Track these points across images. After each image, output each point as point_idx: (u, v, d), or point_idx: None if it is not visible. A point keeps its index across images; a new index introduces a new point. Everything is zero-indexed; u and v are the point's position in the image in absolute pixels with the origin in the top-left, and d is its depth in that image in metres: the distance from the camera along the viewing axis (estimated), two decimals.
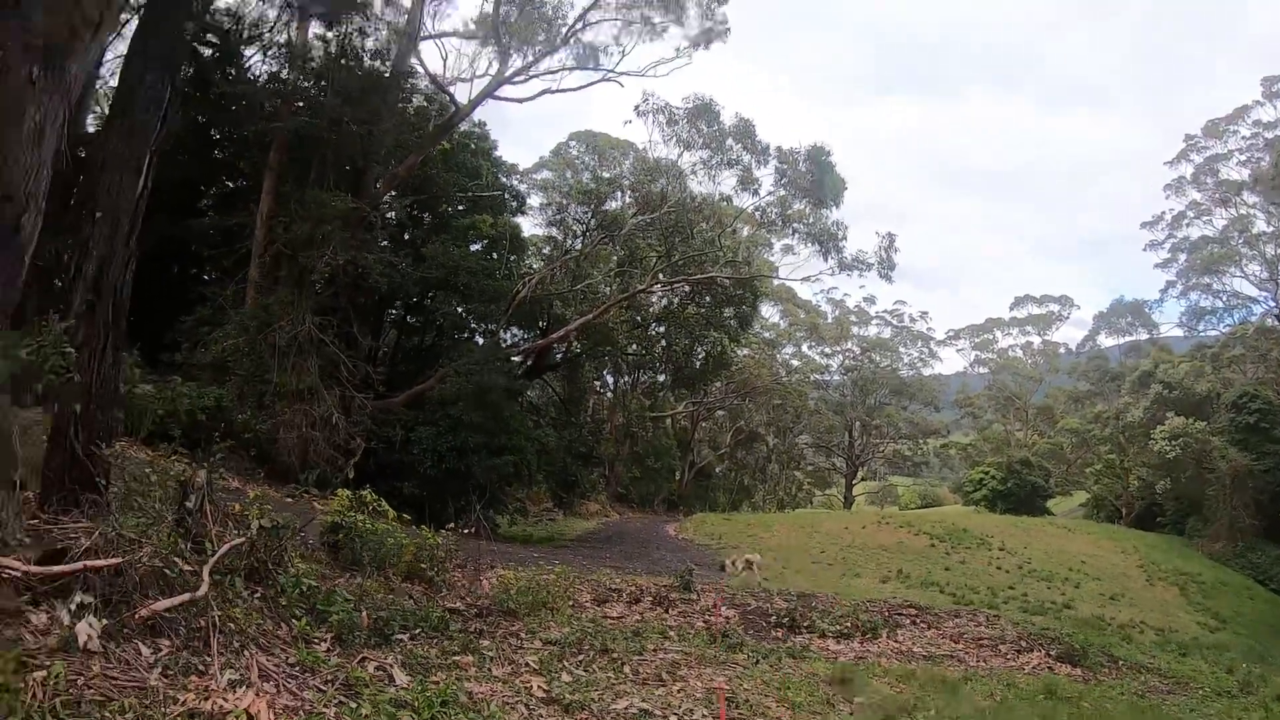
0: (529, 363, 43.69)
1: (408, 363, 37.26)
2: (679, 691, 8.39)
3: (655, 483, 68.65)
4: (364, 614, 8.27)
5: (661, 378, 57.64)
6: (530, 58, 34.12)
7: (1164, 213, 70.16)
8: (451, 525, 12.43)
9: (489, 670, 7.94)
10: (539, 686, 7.67)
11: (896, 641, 14.75)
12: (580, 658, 9.04)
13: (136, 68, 8.36)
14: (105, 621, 6.01)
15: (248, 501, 9.64)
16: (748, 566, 18.51)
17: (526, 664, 8.38)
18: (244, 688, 6.12)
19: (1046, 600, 33.03)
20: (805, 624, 14.61)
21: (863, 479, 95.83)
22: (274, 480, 24.63)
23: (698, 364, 48.21)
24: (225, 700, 5.81)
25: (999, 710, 9.87)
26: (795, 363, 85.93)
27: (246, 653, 6.66)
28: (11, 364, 6.72)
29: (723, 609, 15.00)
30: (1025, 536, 45.83)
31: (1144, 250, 71.94)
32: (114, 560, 6.58)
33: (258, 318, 26.67)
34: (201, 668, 6.14)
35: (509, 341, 41.87)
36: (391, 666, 7.44)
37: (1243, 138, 63.74)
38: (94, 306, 8.36)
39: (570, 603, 12.32)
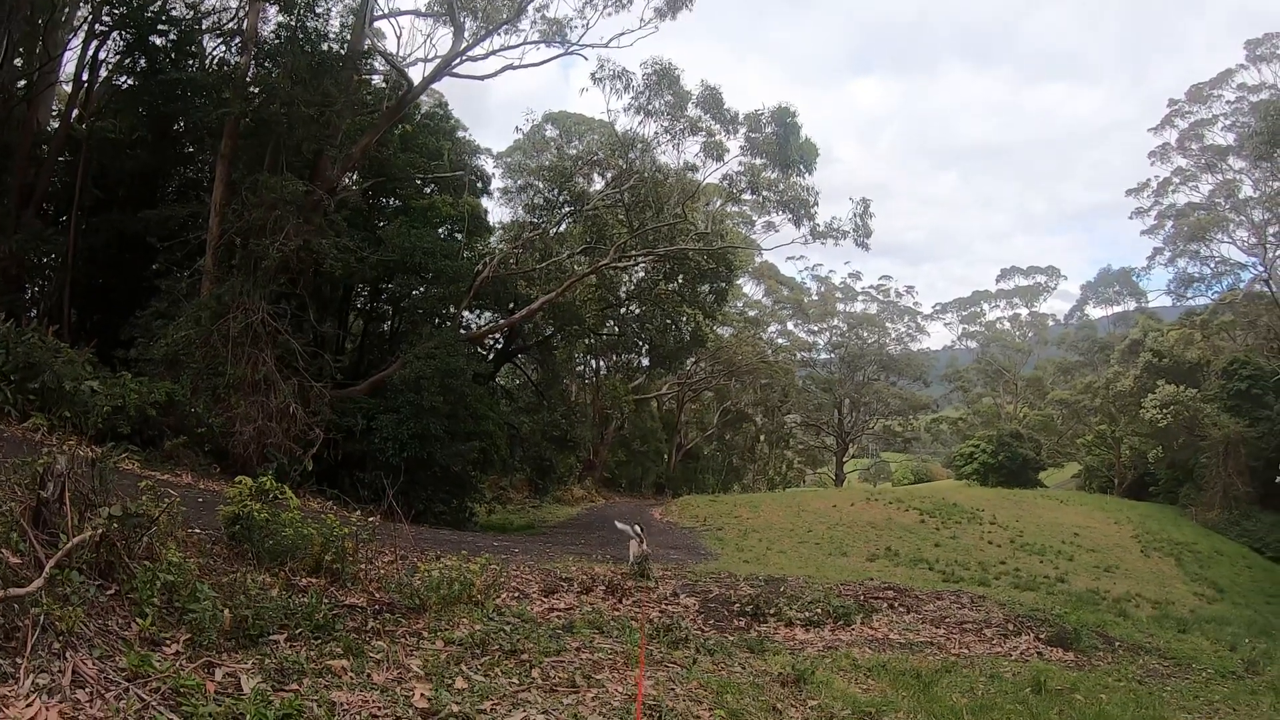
0: (499, 345, 42.75)
1: (374, 350, 36.40)
2: (592, 700, 7.19)
3: (642, 466, 68.25)
4: (226, 612, 7.10)
5: (646, 361, 56.79)
6: (486, 33, 33.09)
7: (1149, 180, 69.48)
8: (359, 510, 11.14)
9: (368, 676, 6.76)
10: (421, 695, 6.49)
11: (872, 628, 13.62)
12: (484, 660, 7.86)
13: None
14: None
15: (137, 491, 8.48)
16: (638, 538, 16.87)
17: (415, 668, 7.21)
18: (46, 695, 5.16)
19: (1039, 575, 32.32)
20: (771, 612, 13.51)
21: (854, 456, 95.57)
22: (231, 474, 23.53)
23: (672, 341, 47.38)
24: (18, 710, 4.89)
25: (977, 710, 8.73)
26: (781, 341, 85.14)
27: (69, 655, 5.60)
28: None
29: (681, 597, 13.91)
30: (1017, 509, 45.26)
31: (1130, 218, 71.34)
32: None
33: (210, 308, 25.56)
34: (12, 670, 5.23)
35: (477, 324, 40.93)
36: (243, 672, 6.29)
37: (1227, 102, 62.88)
38: None
39: (501, 596, 11.14)
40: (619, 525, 18.37)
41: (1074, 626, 14.82)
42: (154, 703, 5.45)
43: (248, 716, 5.52)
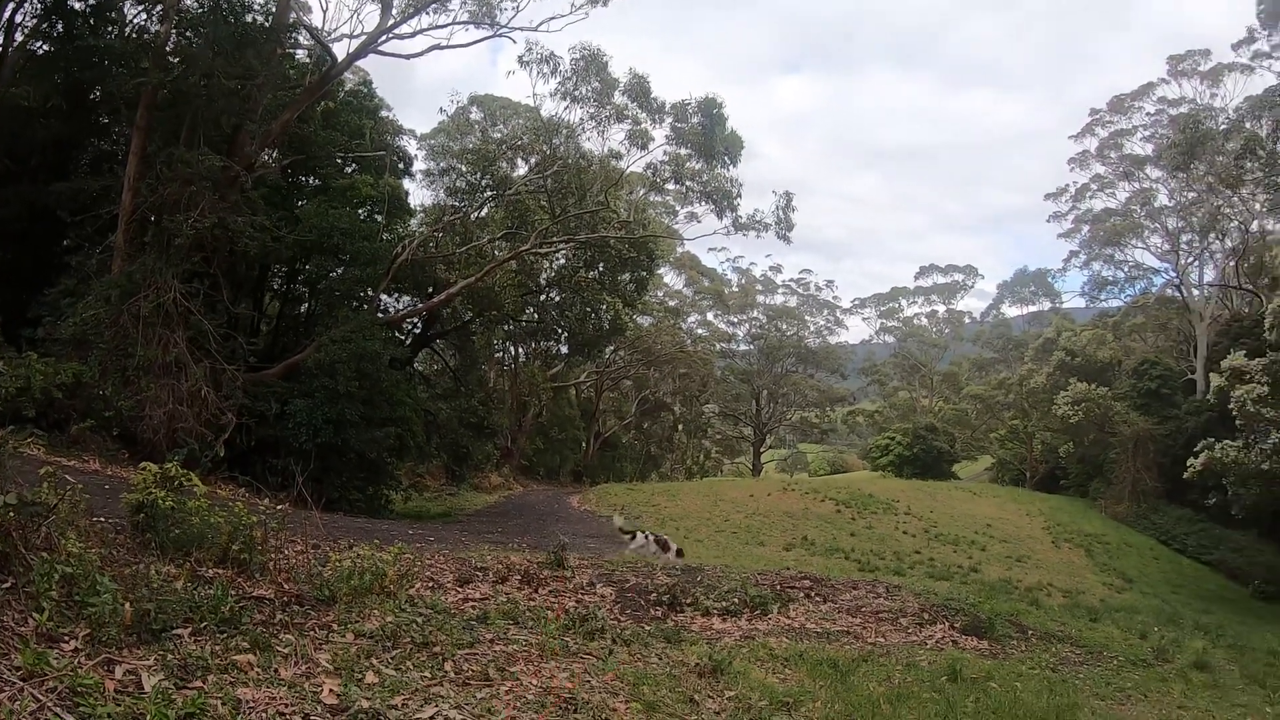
0: (416, 330, 42.22)
1: (290, 333, 35.54)
2: (506, 693, 7.00)
3: (560, 454, 68.06)
4: (127, 605, 6.78)
5: (565, 348, 56.52)
6: (414, 11, 32.48)
7: (1068, 185, 71.83)
8: (270, 498, 10.83)
9: (275, 671, 6.49)
10: (330, 691, 6.25)
11: (789, 617, 13.57)
12: (395, 653, 7.63)
13: None
14: None
15: (38, 477, 8.11)
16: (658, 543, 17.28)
17: (324, 662, 6.96)
18: None
19: (953, 564, 32.81)
20: (688, 601, 13.40)
21: (771, 447, 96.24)
22: (139, 460, 22.82)
23: (592, 329, 47.17)
24: None
25: (894, 699, 8.71)
26: (701, 331, 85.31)
27: None
28: None
29: (598, 586, 13.75)
30: (931, 501, 45.92)
31: (1047, 221, 73.53)
32: None
33: (120, 286, 24.74)
34: None
35: (395, 308, 40.37)
36: (144, 669, 6.00)
37: (1147, 114, 65.44)
38: None
39: (415, 586, 10.86)
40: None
41: (988, 615, 14.91)
42: (50, 703, 5.17)
43: (148, 716, 5.26)
